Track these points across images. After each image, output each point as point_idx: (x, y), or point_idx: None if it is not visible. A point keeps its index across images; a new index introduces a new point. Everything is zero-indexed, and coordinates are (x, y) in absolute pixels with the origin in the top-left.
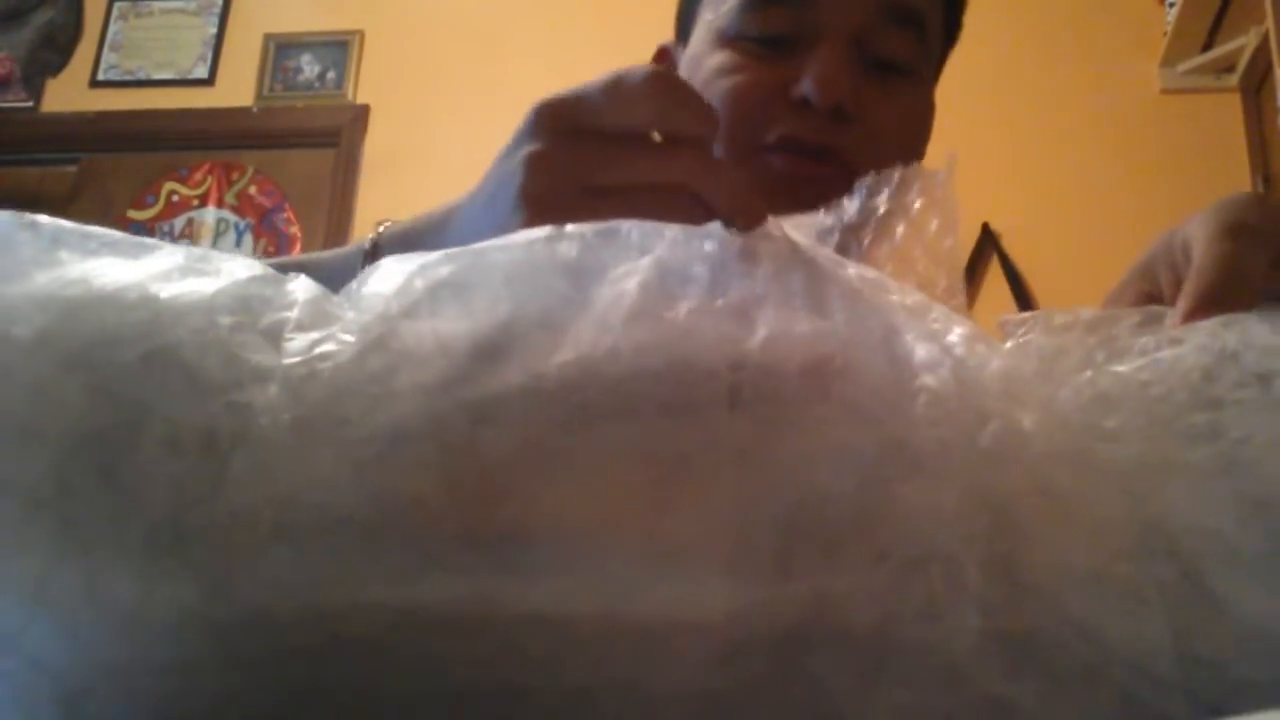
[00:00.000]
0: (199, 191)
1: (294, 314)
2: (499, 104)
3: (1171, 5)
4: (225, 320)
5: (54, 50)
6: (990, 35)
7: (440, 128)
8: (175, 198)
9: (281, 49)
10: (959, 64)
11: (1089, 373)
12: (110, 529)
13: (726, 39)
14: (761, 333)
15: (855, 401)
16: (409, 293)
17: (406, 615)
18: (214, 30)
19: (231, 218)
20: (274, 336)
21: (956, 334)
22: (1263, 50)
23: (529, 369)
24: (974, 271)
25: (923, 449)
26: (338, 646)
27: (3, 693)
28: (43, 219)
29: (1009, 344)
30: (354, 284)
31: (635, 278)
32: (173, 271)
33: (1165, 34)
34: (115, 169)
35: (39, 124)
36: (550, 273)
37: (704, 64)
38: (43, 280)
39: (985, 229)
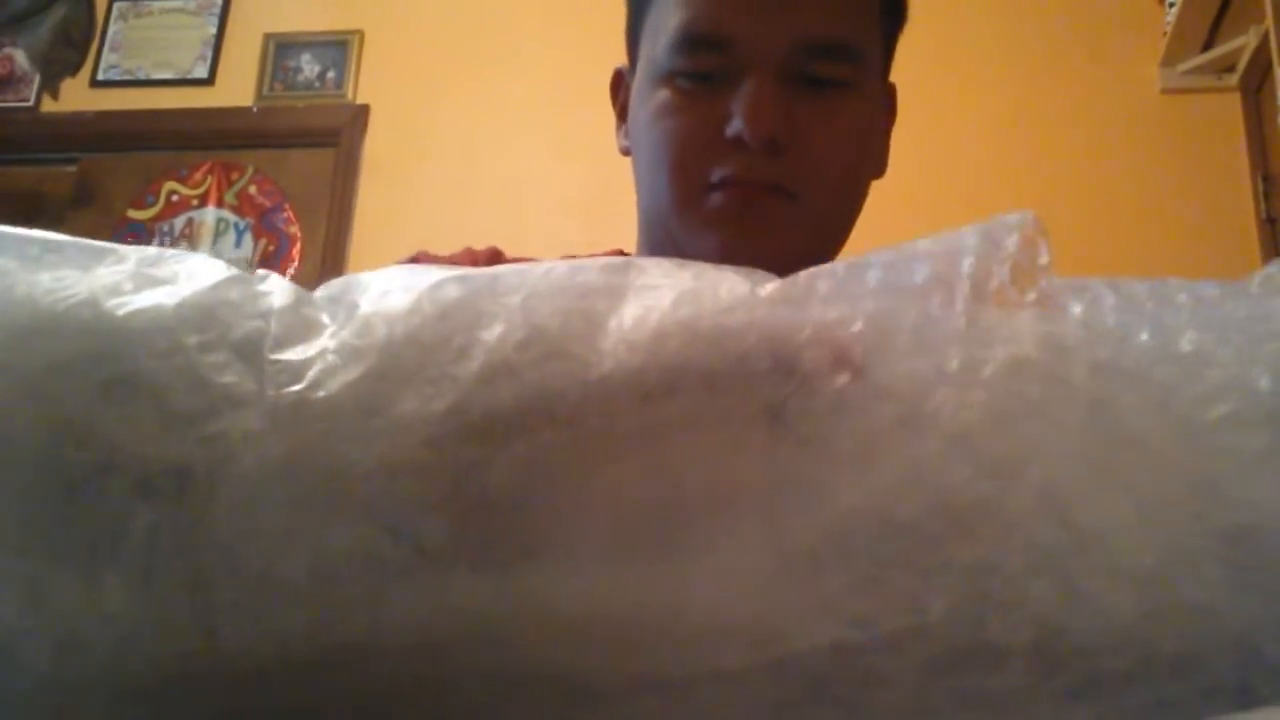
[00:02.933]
0: (199, 191)
1: (270, 326)
2: (499, 104)
3: (1171, 5)
4: (192, 339)
5: (71, 48)
6: (990, 35)
7: (440, 128)
8: (175, 198)
9: (281, 49)
10: (959, 64)
11: (1187, 348)
12: (80, 578)
13: (661, 76)
14: (807, 332)
15: (914, 402)
16: (416, 315)
17: (416, 655)
18: (214, 30)
19: (231, 218)
20: (249, 353)
21: (1025, 306)
22: (1263, 50)
23: (546, 392)
24: None
25: (989, 448)
26: (341, 697)
27: None
28: None
29: (1077, 310)
30: (350, 290)
31: (667, 293)
32: (125, 282)
33: (1165, 34)
34: (115, 169)
35: (39, 124)
36: (572, 295)
37: (646, 103)
38: None
39: None
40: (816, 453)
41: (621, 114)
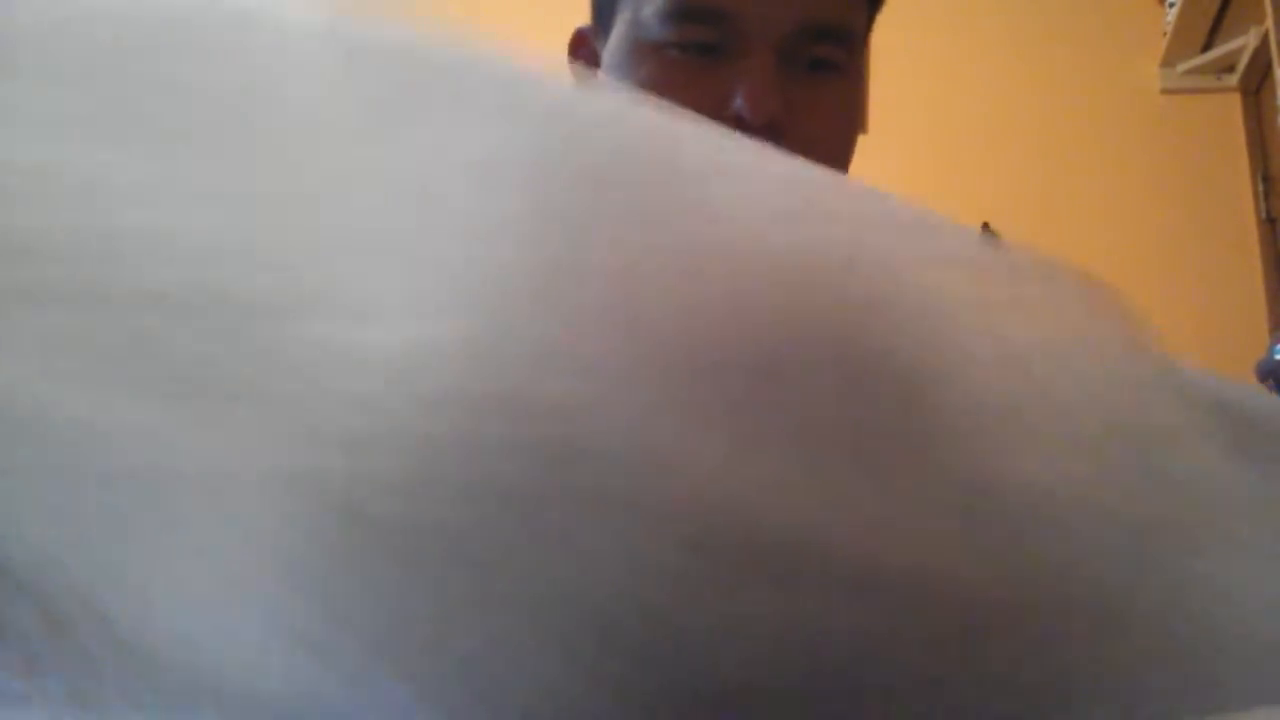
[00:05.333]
0: None
1: None
2: None
3: (1171, 5)
4: None
5: None
6: (990, 36)
7: None
8: None
9: None
10: (959, 64)
11: None
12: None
13: (649, 46)
14: None
15: None
16: None
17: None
18: None
19: None
20: None
21: None
22: (1263, 50)
23: None
24: None
25: None
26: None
27: None
28: None
29: None
30: None
31: None
32: None
33: (1165, 34)
34: None
35: None
36: None
37: (628, 74)
38: None
39: (985, 229)
40: None
41: None
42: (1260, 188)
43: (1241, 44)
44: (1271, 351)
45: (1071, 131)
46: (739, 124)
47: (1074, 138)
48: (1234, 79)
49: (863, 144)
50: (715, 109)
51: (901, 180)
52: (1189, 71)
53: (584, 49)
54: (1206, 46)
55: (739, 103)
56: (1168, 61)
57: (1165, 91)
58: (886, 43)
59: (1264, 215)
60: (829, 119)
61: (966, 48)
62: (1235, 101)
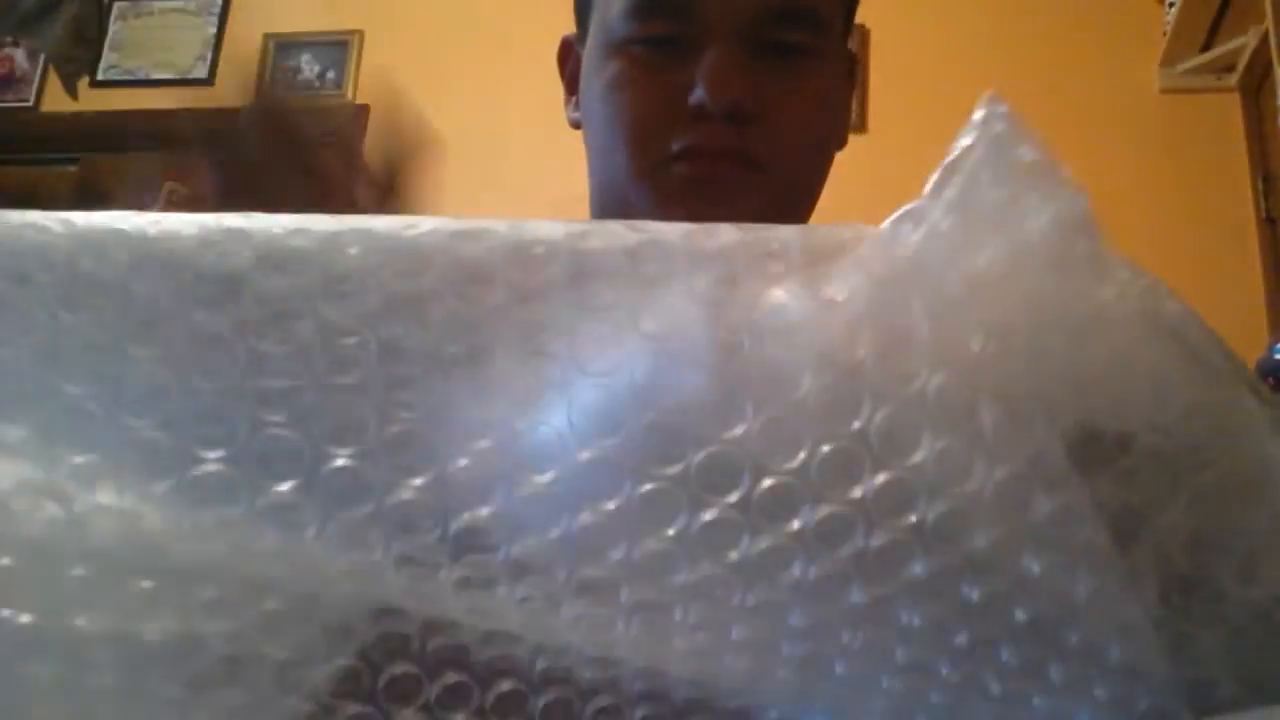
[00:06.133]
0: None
1: None
2: (499, 104)
3: (1171, 5)
4: None
5: (84, 45)
6: (990, 35)
7: (440, 128)
8: (175, 197)
9: (281, 49)
10: (958, 63)
11: None
12: None
13: (616, 44)
14: None
15: None
16: None
17: None
18: (214, 30)
19: None
20: None
21: None
22: (1262, 50)
23: None
24: None
25: None
26: None
27: None
28: None
29: None
30: None
31: None
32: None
33: (1165, 34)
34: (115, 169)
35: (39, 124)
36: None
37: (599, 74)
38: None
39: None
40: None
41: (570, 85)
42: (1260, 188)
43: (1241, 44)
44: (1271, 351)
45: (1070, 131)
46: (701, 114)
47: (1073, 137)
48: (1233, 79)
49: (863, 144)
50: (675, 102)
51: (901, 180)
52: (1188, 71)
53: (570, 58)
54: (1206, 46)
55: (699, 91)
56: (1167, 61)
57: (1165, 91)
58: (886, 42)
59: (1264, 215)
60: (802, 104)
61: (965, 47)
62: (1235, 101)
